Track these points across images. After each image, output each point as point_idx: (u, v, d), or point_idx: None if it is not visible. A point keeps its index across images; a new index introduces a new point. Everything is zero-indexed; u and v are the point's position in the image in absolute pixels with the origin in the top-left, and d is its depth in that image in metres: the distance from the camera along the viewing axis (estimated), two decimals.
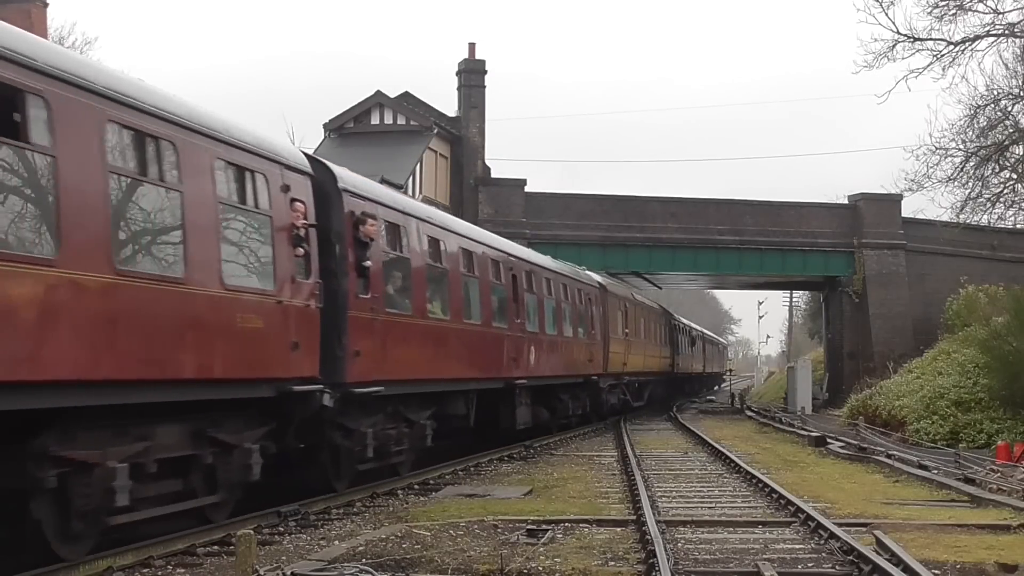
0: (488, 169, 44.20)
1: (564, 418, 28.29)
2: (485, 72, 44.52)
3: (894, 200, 43.55)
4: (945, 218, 36.35)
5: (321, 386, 13.05)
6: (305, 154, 14.20)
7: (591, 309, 30.55)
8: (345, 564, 9.79)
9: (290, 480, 14.07)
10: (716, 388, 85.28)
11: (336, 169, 14.56)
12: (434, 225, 17.80)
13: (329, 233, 13.80)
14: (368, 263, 14.38)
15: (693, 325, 66.92)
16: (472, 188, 43.03)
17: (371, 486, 15.49)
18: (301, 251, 12.90)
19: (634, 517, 12.70)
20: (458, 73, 44.45)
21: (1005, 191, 33.67)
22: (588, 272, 33.34)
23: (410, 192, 36.98)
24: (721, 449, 22.53)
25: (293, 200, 12.81)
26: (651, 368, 42.58)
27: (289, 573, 9.38)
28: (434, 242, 17.59)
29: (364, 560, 9.98)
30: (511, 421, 22.37)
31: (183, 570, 9.96)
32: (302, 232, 12.93)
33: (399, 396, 15.74)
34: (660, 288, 63.81)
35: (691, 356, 60.53)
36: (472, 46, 44.22)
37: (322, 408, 13.15)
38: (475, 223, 28.31)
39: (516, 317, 21.96)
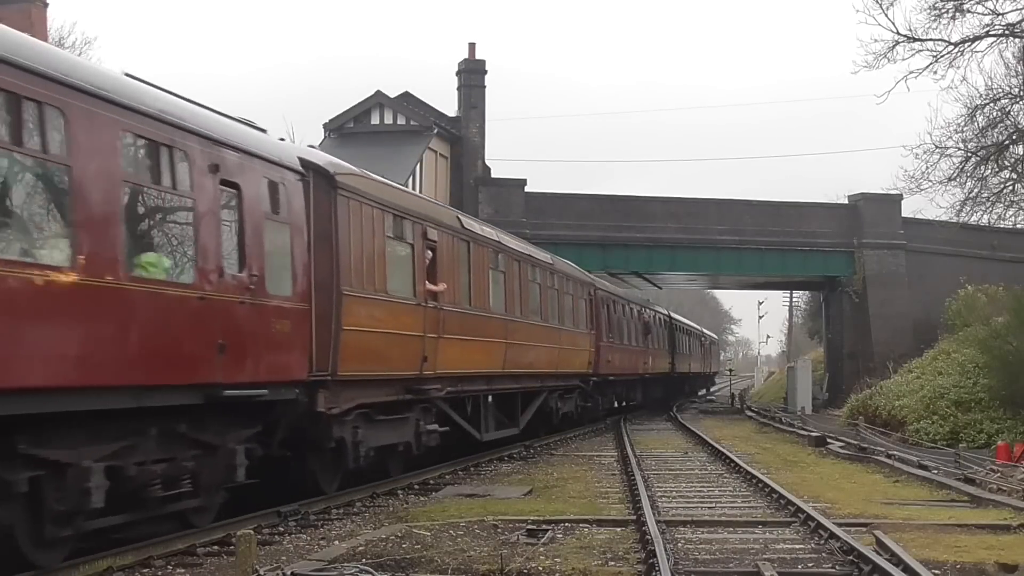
0: (488, 169, 44.21)
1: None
2: (485, 72, 44.56)
3: (894, 200, 43.55)
4: (944, 218, 36.39)
5: None
6: None
7: (273, 230, 12.38)
8: (345, 564, 9.79)
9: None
10: (704, 393, 70.72)
11: None
12: None
13: None
14: None
15: (652, 305, 45.96)
16: (472, 188, 43.02)
17: (371, 486, 15.50)
18: None
19: (634, 517, 12.71)
20: (458, 73, 44.46)
21: (1005, 191, 33.65)
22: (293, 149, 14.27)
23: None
24: (721, 449, 22.54)
25: None
26: (534, 366, 23.54)
27: (289, 573, 9.38)
28: None
29: (364, 560, 9.99)
30: None
31: (183, 570, 9.96)
32: None
33: None
34: (660, 288, 63.80)
35: (640, 350, 39.61)
36: (472, 46, 44.32)
37: None
38: None
39: None
